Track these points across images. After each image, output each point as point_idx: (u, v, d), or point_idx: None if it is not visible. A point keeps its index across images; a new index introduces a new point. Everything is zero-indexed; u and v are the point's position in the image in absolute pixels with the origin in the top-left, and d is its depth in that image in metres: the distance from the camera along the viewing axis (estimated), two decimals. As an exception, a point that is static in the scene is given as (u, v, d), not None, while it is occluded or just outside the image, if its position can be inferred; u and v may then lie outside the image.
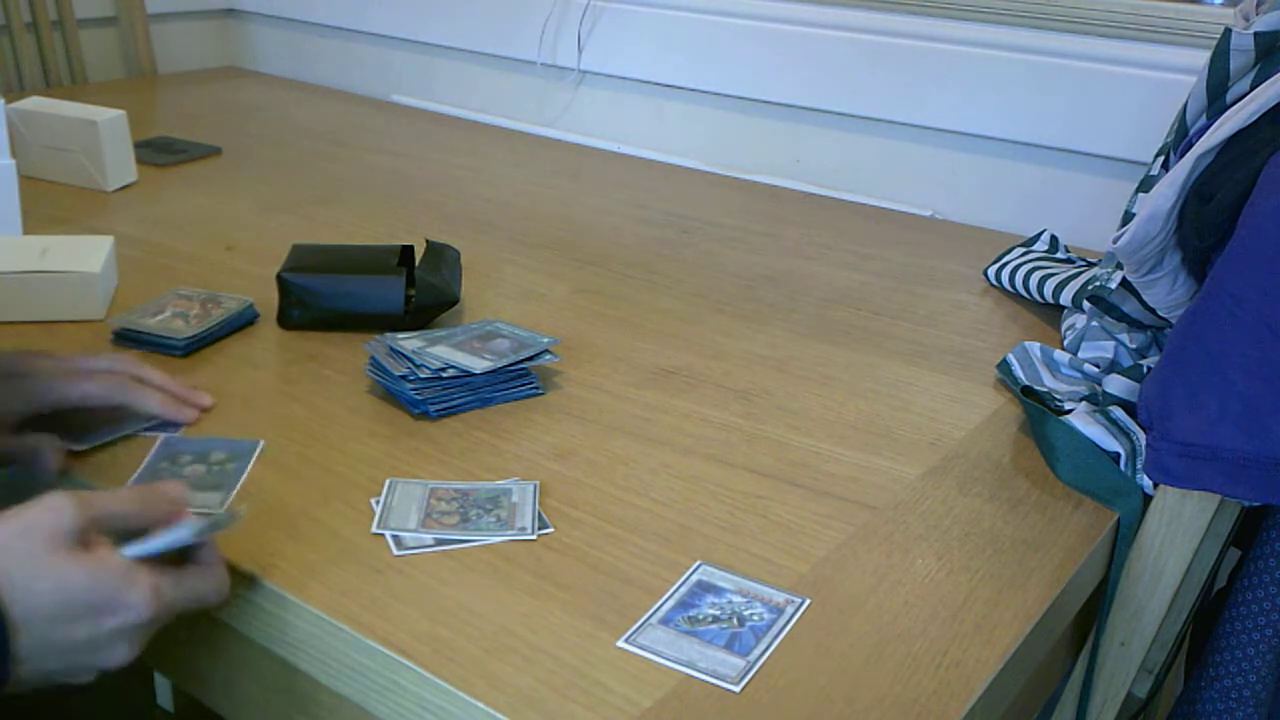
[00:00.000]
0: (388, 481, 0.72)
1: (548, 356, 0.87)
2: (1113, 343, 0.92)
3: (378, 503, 0.70)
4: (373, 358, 0.85)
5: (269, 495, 0.71)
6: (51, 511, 0.55)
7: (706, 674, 0.57)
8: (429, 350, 0.84)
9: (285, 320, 0.95)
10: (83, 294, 0.94)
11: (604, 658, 0.58)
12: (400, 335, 0.87)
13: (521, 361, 0.85)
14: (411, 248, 1.00)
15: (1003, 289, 1.15)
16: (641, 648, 0.59)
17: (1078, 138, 1.32)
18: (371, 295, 0.94)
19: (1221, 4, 1.30)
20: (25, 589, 0.52)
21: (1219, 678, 0.81)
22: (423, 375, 0.81)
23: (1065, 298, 1.03)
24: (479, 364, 0.83)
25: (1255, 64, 0.83)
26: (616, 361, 0.93)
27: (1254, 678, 0.80)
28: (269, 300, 0.97)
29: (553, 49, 1.73)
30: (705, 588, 0.64)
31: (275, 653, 0.64)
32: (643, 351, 0.95)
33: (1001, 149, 1.40)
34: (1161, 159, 0.94)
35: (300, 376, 0.87)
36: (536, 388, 0.86)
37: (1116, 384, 0.85)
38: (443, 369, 0.82)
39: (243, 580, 0.64)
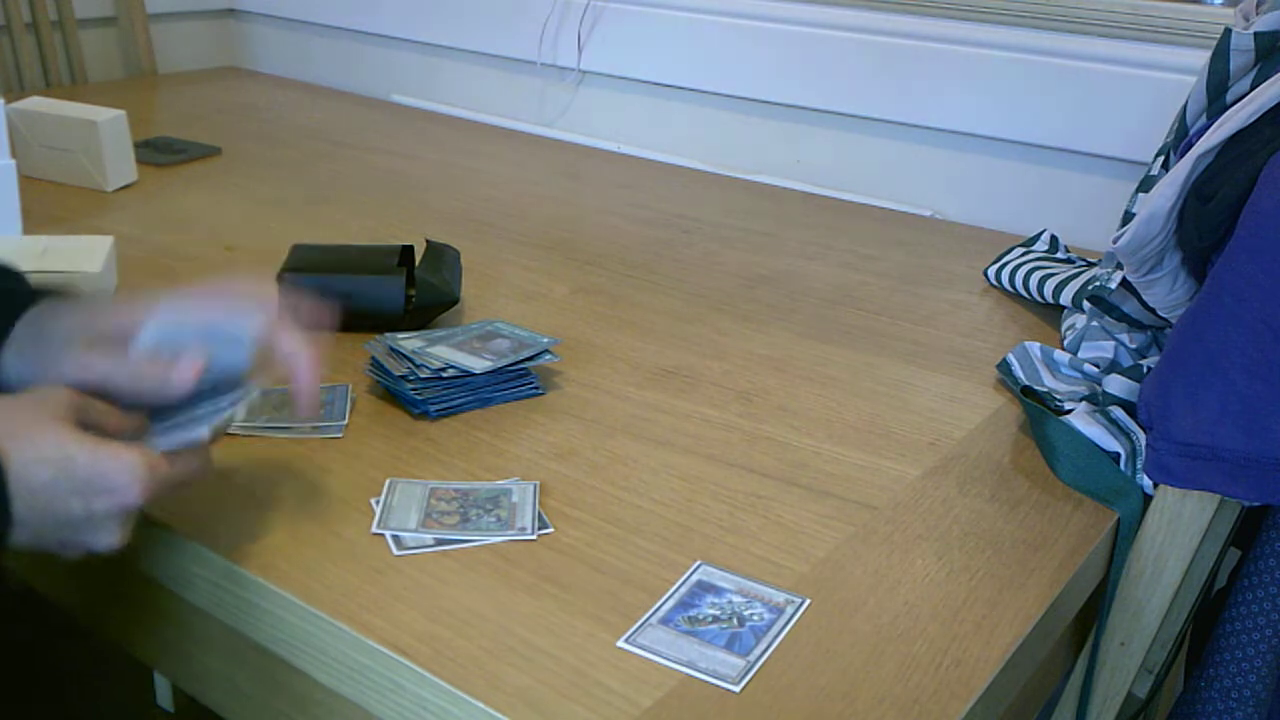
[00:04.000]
0: (388, 481, 0.72)
1: (548, 356, 0.87)
2: (1113, 343, 0.92)
3: (378, 503, 0.70)
4: (373, 358, 0.85)
5: (269, 495, 0.71)
6: (53, 390, 0.58)
7: (706, 674, 0.57)
8: (429, 350, 0.84)
9: (285, 320, 0.95)
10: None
11: (604, 658, 0.58)
12: (400, 335, 0.87)
13: (521, 361, 0.85)
14: (411, 248, 1.00)
15: (1003, 289, 1.15)
16: (641, 648, 0.59)
17: (1078, 138, 1.32)
18: (371, 295, 0.94)
19: (1221, 4, 1.30)
20: (27, 457, 0.55)
21: (1219, 678, 0.81)
22: (423, 375, 0.81)
23: (1065, 298, 1.03)
24: (479, 364, 0.83)
25: (1255, 64, 0.83)
26: (616, 361, 0.93)
27: (1254, 678, 0.80)
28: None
29: (553, 49, 1.73)
30: (705, 588, 0.64)
31: (275, 653, 0.64)
32: (643, 351, 0.95)
33: (1001, 149, 1.40)
34: (1161, 159, 0.94)
35: (300, 376, 0.87)
36: (536, 388, 0.86)
37: (1116, 384, 0.85)
38: (443, 369, 0.82)
39: (242, 580, 0.64)
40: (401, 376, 0.81)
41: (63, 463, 0.55)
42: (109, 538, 0.58)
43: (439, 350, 0.84)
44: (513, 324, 0.91)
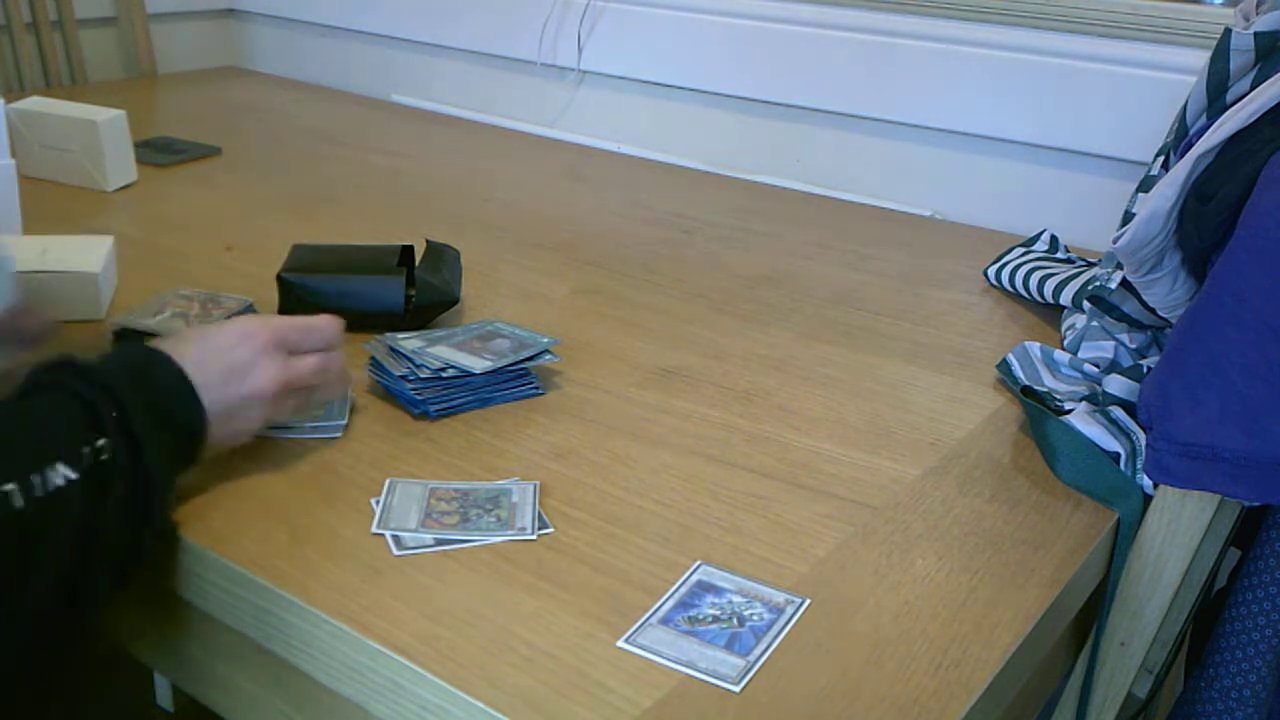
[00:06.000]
0: (388, 481, 0.72)
1: (548, 356, 0.87)
2: (1113, 343, 0.92)
3: (378, 503, 0.70)
4: (373, 358, 0.85)
5: (269, 495, 0.71)
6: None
7: (706, 674, 0.57)
8: (429, 350, 0.84)
9: (285, 320, 0.95)
10: (83, 294, 0.94)
11: (604, 658, 0.58)
12: (400, 335, 0.87)
13: (521, 361, 0.85)
14: (411, 248, 1.00)
15: (1003, 289, 1.15)
16: (641, 648, 0.59)
17: (1078, 138, 1.32)
18: (371, 295, 0.94)
19: (1221, 4, 1.30)
20: (199, 364, 0.67)
21: (1219, 678, 0.81)
22: (423, 375, 0.81)
23: (1065, 298, 1.03)
24: (479, 364, 0.83)
25: (1255, 64, 0.83)
26: (616, 361, 0.93)
27: (1254, 678, 0.80)
28: (269, 300, 0.97)
29: (553, 49, 1.73)
30: (705, 588, 0.64)
31: (275, 652, 0.64)
32: (643, 351, 0.95)
33: (1001, 149, 1.40)
34: (1161, 159, 0.94)
35: (300, 376, 0.87)
36: (536, 388, 0.86)
37: (1116, 384, 0.85)
38: (443, 369, 0.82)
39: (243, 580, 0.64)
40: (401, 376, 0.81)
41: (221, 356, 0.69)
42: (253, 418, 0.71)
43: (439, 350, 0.84)
44: (513, 324, 0.91)
